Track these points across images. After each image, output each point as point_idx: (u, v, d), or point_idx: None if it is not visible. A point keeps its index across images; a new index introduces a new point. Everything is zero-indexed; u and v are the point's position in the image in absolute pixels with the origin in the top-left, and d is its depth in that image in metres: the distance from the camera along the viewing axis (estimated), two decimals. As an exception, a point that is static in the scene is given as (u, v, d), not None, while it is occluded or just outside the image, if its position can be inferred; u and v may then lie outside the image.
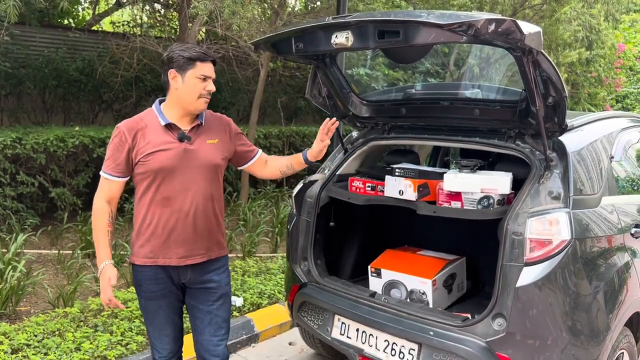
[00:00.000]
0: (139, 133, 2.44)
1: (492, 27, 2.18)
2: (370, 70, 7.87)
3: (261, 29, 6.06)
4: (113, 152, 2.45)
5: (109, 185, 2.48)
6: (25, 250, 5.15)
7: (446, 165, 4.78)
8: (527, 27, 2.26)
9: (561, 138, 2.81)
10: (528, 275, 2.50)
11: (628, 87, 15.08)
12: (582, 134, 3.00)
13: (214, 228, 2.59)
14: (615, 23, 11.24)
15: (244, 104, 9.55)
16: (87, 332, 3.72)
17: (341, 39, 2.52)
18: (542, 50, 2.40)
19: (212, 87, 2.47)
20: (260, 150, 2.82)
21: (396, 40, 2.37)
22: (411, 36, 2.31)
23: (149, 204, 2.47)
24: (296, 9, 9.28)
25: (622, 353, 2.91)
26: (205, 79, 2.44)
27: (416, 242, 3.77)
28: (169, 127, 2.47)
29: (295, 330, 4.11)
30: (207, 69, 2.45)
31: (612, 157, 3.06)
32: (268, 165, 2.83)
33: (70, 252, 5.29)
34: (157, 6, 8.40)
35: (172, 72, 2.44)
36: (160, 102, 2.56)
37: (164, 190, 2.45)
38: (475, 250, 3.63)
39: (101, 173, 2.49)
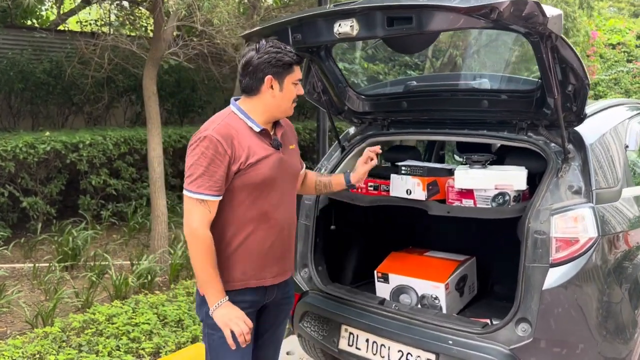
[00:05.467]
0: (235, 141, 2.10)
1: (515, 10, 2.00)
2: (349, 64, 7.69)
3: (239, 23, 5.81)
4: (207, 166, 2.06)
5: (208, 207, 2.09)
6: (-3, 266, 4.84)
7: (442, 160, 4.62)
8: (550, 10, 2.09)
9: (576, 128, 2.66)
10: (555, 277, 2.33)
11: (600, 75, 15.22)
12: (595, 124, 2.85)
13: (294, 240, 2.43)
14: (590, 10, 11.27)
15: (221, 103, 9.25)
16: (70, 354, 3.44)
17: (345, 27, 2.31)
18: (562, 35, 2.24)
19: (301, 90, 2.25)
20: (304, 165, 2.58)
21: (408, 28, 2.17)
22: (425, 22, 2.12)
23: (242, 221, 2.15)
24: (270, 1, 9.01)
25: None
26: (297, 83, 2.22)
27: (418, 242, 3.60)
28: (261, 133, 2.19)
29: (293, 338, 3.90)
30: (299, 71, 2.22)
31: (627, 146, 2.93)
32: (305, 182, 2.59)
33: (47, 265, 4.99)
34: (125, 4, 8.06)
35: (269, 79, 2.14)
36: (238, 102, 2.25)
37: (262, 204, 2.16)
38: (481, 248, 3.47)
39: (192, 195, 2.07)
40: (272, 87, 2.16)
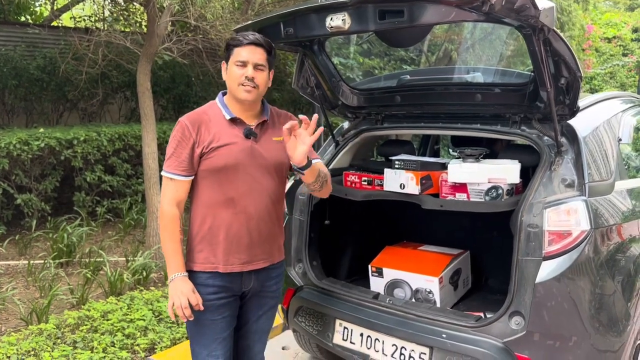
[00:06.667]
0: (202, 126, 2.24)
1: (506, 2, 1.99)
2: (344, 59, 7.65)
3: (234, 18, 5.78)
4: (175, 148, 2.24)
5: (175, 186, 2.25)
6: (-9, 263, 4.83)
7: (437, 154, 4.62)
8: (542, 3, 2.09)
9: (570, 122, 2.65)
10: (548, 270, 2.33)
11: (595, 68, 15.23)
12: (588, 117, 2.84)
13: (277, 231, 2.42)
14: (586, 4, 11.26)
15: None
16: (65, 351, 3.43)
17: (337, 21, 2.31)
18: (554, 28, 2.23)
19: (249, 73, 2.22)
20: (319, 159, 2.47)
21: (400, 21, 2.17)
22: (417, 16, 2.12)
23: (209, 205, 2.26)
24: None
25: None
26: (243, 64, 2.23)
27: (412, 237, 3.60)
28: (234, 121, 2.28)
29: (288, 333, 3.91)
30: (244, 53, 2.23)
31: (620, 140, 2.92)
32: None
33: (42, 262, 4.97)
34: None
35: (223, 64, 2.32)
36: (224, 94, 2.37)
37: (228, 190, 2.24)
38: (475, 241, 3.47)
39: (163, 173, 2.27)
40: (224, 70, 2.30)
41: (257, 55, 2.24)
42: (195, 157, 2.23)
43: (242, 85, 2.23)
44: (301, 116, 2.18)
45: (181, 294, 2.19)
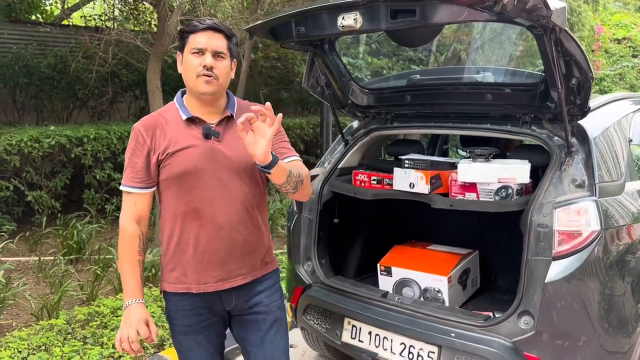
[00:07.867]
0: (157, 131, 2.00)
1: (518, 2, 1.99)
2: (352, 59, 7.66)
3: (243, 18, 5.81)
4: (130, 157, 2.02)
5: (133, 200, 2.02)
6: (2, 259, 4.87)
7: (445, 154, 4.62)
8: (553, 3, 2.09)
9: (580, 122, 2.65)
10: (557, 270, 2.33)
11: (605, 70, 15.14)
12: (599, 117, 2.84)
13: (256, 241, 2.11)
14: (595, 5, 11.21)
15: (224, 97, 9.24)
16: (75, 346, 3.47)
17: (349, 20, 2.31)
18: (566, 28, 2.23)
19: (207, 61, 1.95)
20: (296, 156, 2.18)
21: (411, 20, 2.17)
22: (429, 15, 2.12)
23: (174, 217, 2.01)
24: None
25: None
26: (200, 52, 1.96)
27: (421, 236, 3.60)
28: (192, 121, 2.03)
29: (296, 331, 3.92)
30: (201, 39, 1.96)
31: (631, 140, 2.92)
32: None
33: (52, 258, 5.01)
34: (130, -1, 8.07)
35: (178, 55, 2.06)
36: (183, 93, 2.12)
37: (191, 199, 1.98)
38: (484, 241, 3.47)
39: (121, 187, 2.05)
40: (180, 63, 2.06)
41: (215, 41, 1.98)
42: (152, 166, 2.00)
43: (202, 76, 1.96)
44: (254, 107, 1.80)
45: (130, 325, 1.93)
